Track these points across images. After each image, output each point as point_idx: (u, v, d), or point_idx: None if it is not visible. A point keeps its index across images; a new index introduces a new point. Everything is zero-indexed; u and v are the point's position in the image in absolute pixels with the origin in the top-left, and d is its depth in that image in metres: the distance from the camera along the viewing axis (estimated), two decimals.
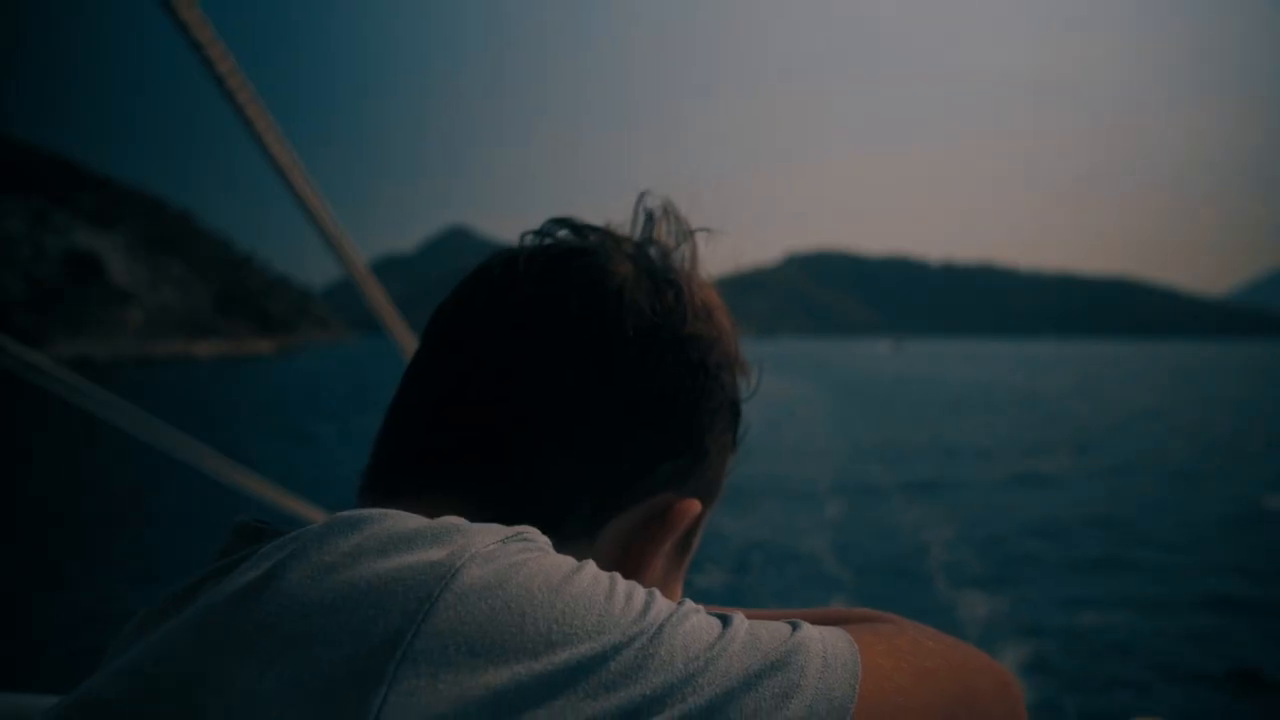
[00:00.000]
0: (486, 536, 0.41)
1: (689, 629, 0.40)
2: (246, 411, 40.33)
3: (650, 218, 0.62)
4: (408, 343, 2.04)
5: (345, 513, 0.42)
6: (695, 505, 0.56)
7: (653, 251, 0.61)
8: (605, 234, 0.61)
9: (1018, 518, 15.22)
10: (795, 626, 0.44)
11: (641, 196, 0.62)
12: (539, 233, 0.62)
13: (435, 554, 0.39)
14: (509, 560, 0.39)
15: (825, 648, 0.43)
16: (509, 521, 0.44)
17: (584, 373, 0.52)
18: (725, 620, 0.42)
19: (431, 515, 0.42)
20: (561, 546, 0.46)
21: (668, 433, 0.55)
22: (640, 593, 0.42)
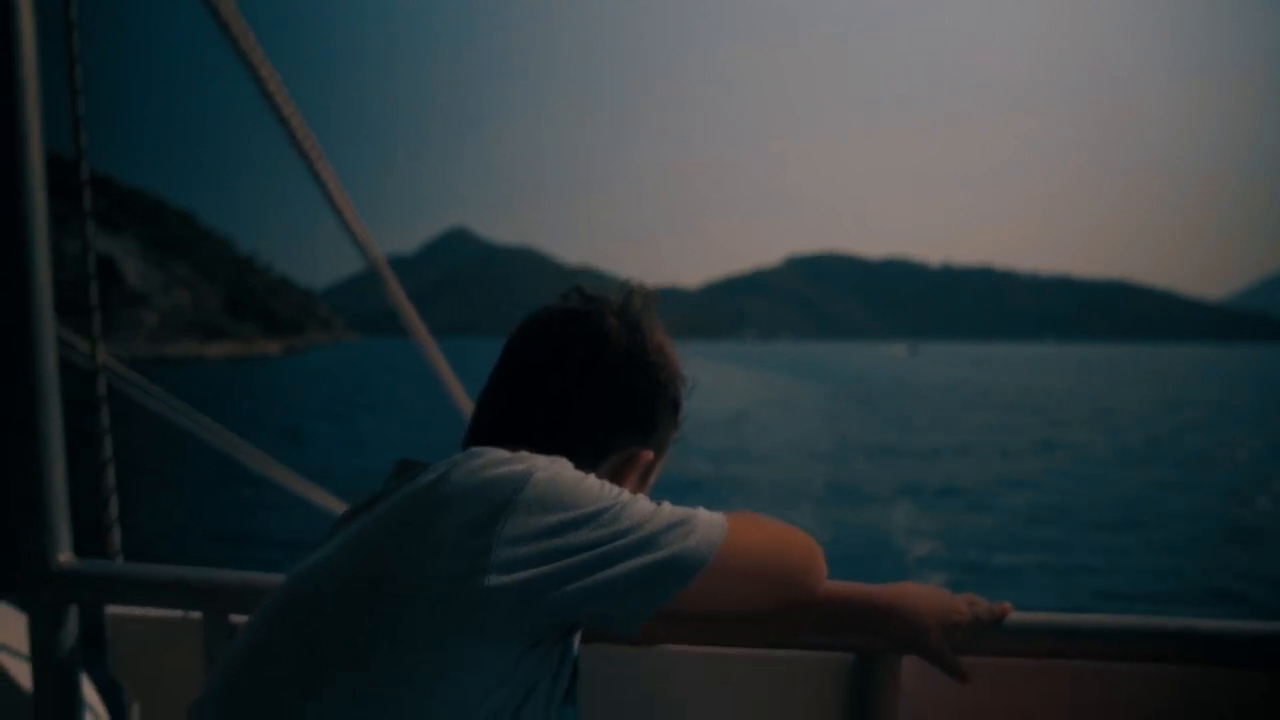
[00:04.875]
0: (543, 459, 0.85)
1: (642, 504, 0.85)
2: (267, 409, 41.85)
3: (630, 292, 1.05)
4: (421, 335, 2.36)
5: (474, 448, 0.86)
6: (650, 454, 1.01)
7: (629, 311, 1.03)
8: (602, 300, 1.03)
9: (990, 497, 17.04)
10: (695, 508, 0.90)
11: (626, 281, 1.06)
12: (564, 295, 1.05)
13: (521, 466, 0.82)
14: (556, 469, 0.84)
15: (710, 516, 0.89)
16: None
17: (586, 385, 0.97)
18: (659, 502, 0.88)
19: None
20: (578, 458, 0.91)
21: (635, 415, 1.00)
22: (617, 487, 0.87)
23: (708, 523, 0.87)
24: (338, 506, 2.27)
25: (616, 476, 0.98)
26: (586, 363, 0.97)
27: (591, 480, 0.85)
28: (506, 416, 0.98)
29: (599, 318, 1.00)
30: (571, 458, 0.89)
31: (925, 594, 1.06)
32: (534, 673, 0.80)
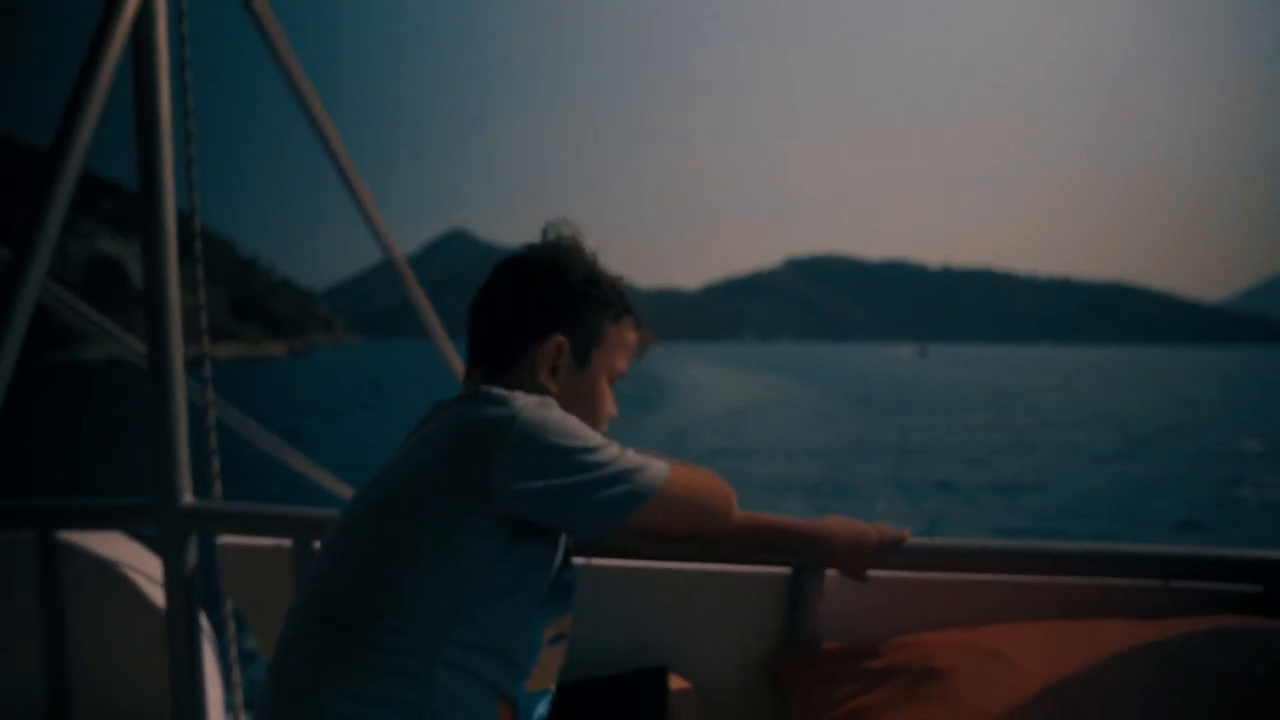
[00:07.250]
0: (533, 399, 1.08)
1: (611, 448, 1.10)
2: (269, 410, 42.12)
3: (560, 233, 1.30)
4: (436, 331, 2.63)
5: (481, 387, 1.10)
6: (563, 340, 1.22)
7: (561, 242, 1.29)
8: (544, 245, 1.29)
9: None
10: (647, 456, 1.15)
11: (548, 226, 1.30)
12: (527, 246, 1.30)
13: (521, 401, 1.06)
14: (542, 411, 1.06)
15: (659, 461, 1.16)
16: (508, 366, 1.22)
17: (507, 302, 1.23)
18: (623, 448, 1.12)
19: (486, 377, 1.22)
20: (517, 358, 1.22)
21: (559, 312, 1.24)
22: (590, 429, 1.11)
23: (656, 466, 1.13)
24: (346, 491, 2.49)
25: (539, 362, 1.22)
26: (516, 287, 1.24)
27: (571, 421, 1.08)
28: (471, 349, 1.25)
29: (538, 254, 1.27)
30: (512, 361, 1.21)
31: (842, 523, 1.38)
32: (529, 551, 1.06)
